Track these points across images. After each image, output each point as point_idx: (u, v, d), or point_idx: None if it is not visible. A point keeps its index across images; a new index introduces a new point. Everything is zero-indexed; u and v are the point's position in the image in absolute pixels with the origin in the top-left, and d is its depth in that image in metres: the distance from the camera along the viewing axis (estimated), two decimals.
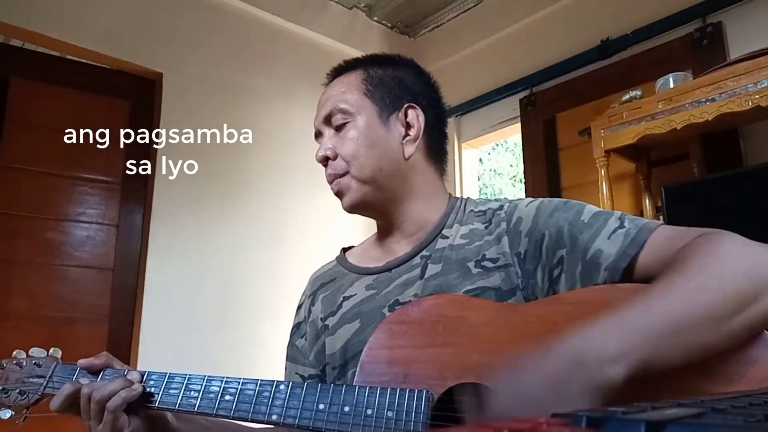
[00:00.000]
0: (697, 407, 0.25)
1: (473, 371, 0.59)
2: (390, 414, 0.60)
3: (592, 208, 0.70)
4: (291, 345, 0.89)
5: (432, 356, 0.62)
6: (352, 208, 0.82)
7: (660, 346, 0.47)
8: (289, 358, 0.88)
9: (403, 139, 0.81)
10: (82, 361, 0.77)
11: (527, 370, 0.47)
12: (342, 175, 0.80)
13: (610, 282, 0.62)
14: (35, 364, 0.79)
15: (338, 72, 0.87)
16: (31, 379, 0.78)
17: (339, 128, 0.81)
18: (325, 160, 0.82)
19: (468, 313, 0.64)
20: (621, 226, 0.65)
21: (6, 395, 0.76)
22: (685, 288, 0.51)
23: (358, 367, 0.65)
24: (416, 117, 0.82)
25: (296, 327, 0.89)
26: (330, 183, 0.83)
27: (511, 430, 0.22)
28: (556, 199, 0.74)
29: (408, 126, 0.82)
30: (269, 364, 2.16)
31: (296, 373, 0.85)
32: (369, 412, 0.61)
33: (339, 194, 0.82)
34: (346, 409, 0.62)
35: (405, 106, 0.82)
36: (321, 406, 0.63)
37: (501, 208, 0.78)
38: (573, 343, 0.47)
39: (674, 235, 0.61)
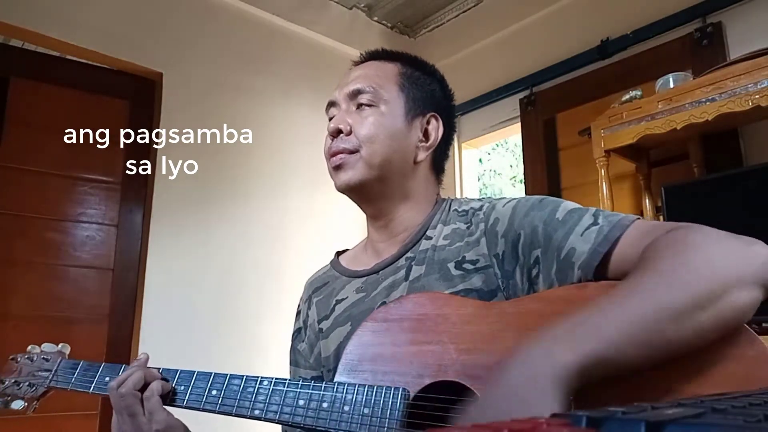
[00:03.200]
0: (697, 407, 0.25)
1: (451, 369, 0.60)
2: (366, 410, 0.61)
3: (568, 204, 0.69)
4: (293, 349, 0.89)
5: (411, 354, 0.63)
6: (347, 187, 0.80)
7: (616, 341, 0.47)
8: (292, 362, 0.89)
9: (419, 143, 0.82)
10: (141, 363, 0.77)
11: (492, 390, 0.48)
12: (351, 152, 0.79)
13: (585, 280, 0.62)
14: (44, 358, 0.84)
15: (375, 57, 0.87)
16: (39, 373, 0.82)
17: (360, 108, 0.81)
18: (337, 133, 0.80)
19: (448, 311, 0.64)
20: (594, 223, 0.64)
21: (18, 387, 0.82)
22: (647, 285, 0.51)
23: (340, 364, 0.66)
24: (436, 128, 0.84)
25: (297, 332, 0.90)
26: (332, 156, 0.80)
27: (510, 430, 0.22)
28: (534, 197, 0.73)
29: (426, 133, 0.83)
30: (269, 363, 2.16)
31: (299, 376, 0.85)
32: (346, 408, 0.62)
33: (339, 168, 0.79)
34: (325, 405, 0.63)
35: (429, 114, 0.83)
36: (301, 402, 0.65)
37: (481, 208, 0.78)
38: (525, 349, 0.48)
39: (648, 231, 0.60)
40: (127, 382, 0.71)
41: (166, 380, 0.74)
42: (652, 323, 0.48)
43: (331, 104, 0.84)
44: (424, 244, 0.78)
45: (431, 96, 0.85)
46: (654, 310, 0.49)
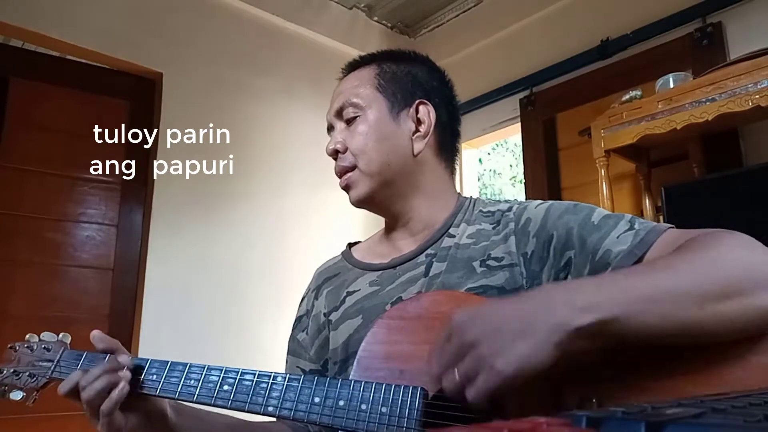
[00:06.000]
0: (697, 407, 0.25)
1: None
2: (384, 409, 0.60)
3: (602, 211, 0.70)
4: (292, 338, 0.89)
5: (429, 353, 0.62)
6: (359, 203, 0.83)
7: (634, 306, 0.49)
8: (290, 351, 0.88)
9: (413, 135, 0.81)
10: (96, 333, 0.76)
11: (503, 305, 0.53)
12: (351, 169, 0.81)
13: None
14: (45, 348, 0.81)
15: (353, 67, 0.88)
16: (40, 363, 0.80)
17: (350, 122, 0.82)
18: (335, 154, 0.82)
19: None
20: (631, 228, 0.65)
21: (17, 377, 0.79)
22: (675, 265, 0.53)
23: (355, 362, 0.65)
24: (427, 113, 0.82)
25: (298, 320, 0.89)
26: (339, 177, 0.83)
27: (511, 430, 0.22)
28: (566, 202, 0.74)
29: (419, 122, 0.82)
30: (269, 363, 2.14)
31: (297, 367, 0.85)
32: (363, 407, 0.61)
33: (346, 188, 0.83)
34: (341, 403, 0.62)
35: (416, 102, 0.82)
36: (317, 400, 0.63)
37: (510, 209, 0.78)
38: (550, 290, 0.53)
39: (682, 236, 0.61)
40: (92, 387, 0.69)
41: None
42: (676, 298, 0.49)
43: (329, 127, 0.86)
44: (447, 242, 0.78)
45: (412, 83, 0.83)
46: (680, 287, 0.50)
